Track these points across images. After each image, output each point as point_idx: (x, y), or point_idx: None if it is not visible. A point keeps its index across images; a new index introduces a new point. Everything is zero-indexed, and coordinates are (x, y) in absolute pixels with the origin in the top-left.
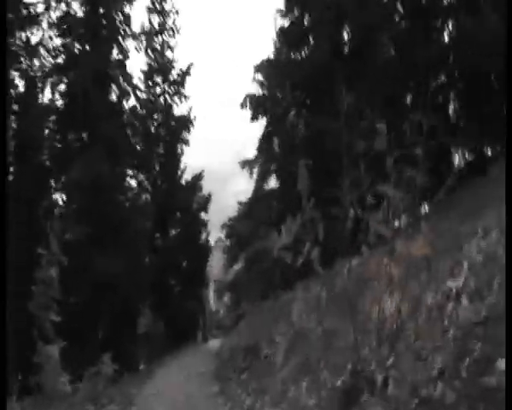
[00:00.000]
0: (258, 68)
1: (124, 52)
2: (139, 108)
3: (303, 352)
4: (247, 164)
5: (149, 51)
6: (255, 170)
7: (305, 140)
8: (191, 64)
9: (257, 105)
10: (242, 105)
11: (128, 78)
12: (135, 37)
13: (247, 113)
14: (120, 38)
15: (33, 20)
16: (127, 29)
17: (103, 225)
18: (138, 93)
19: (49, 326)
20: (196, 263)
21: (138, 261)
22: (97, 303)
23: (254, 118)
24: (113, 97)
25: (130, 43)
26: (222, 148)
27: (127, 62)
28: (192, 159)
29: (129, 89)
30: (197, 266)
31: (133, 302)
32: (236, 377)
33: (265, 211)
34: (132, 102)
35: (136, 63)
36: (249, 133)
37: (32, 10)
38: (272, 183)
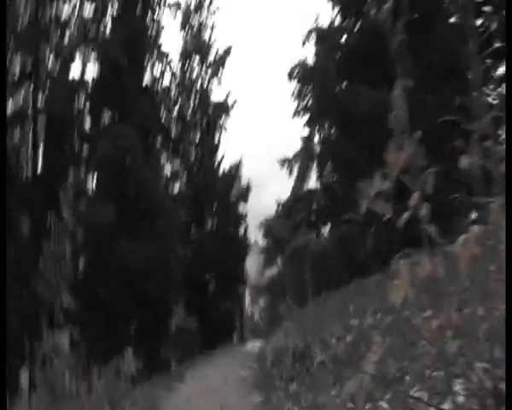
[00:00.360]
0: (308, 36)
1: (158, 27)
2: (174, 90)
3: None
4: (286, 162)
5: (186, 30)
6: (295, 168)
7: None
8: (230, 46)
9: (304, 76)
10: (290, 76)
11: (162, 54)
12: (170, 8)
13: (292, 86)
14: (155, 9)
15: None
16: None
17: (132, 210)
18: (173, 74)
19: (58, 313)
20: (234, 258)
21: (171, 253)
22: (124, 295)
23: (299, 96)
24: (147, 74)
25: (165, 20)
26: (257, 147)
27: (162, 41)
28: (229, 147)
29: (163, 66)
30: (235, 262)
31: (165, 297)
32: (284, 387)
33: (305, 211)
34: (167, 82)
35: (172, 45)
36: (288, 132)
37: None
38: (312, 183)
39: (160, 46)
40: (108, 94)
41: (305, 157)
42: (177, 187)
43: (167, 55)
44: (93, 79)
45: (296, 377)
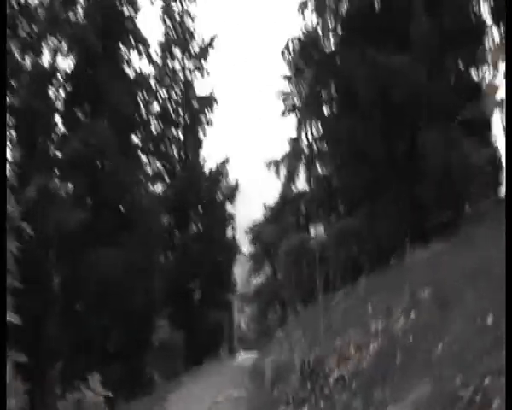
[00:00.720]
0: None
1: (134, 5)
2: (154, 82)
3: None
4: (273, 164)
5: (166, 18)
6: (283, 170)
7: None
8: (215, 36)
9: (302, 49)
10: (284, 53)
11: (141, 40)
12: None
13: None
14: None
15: None
16: None
17: (109, 215)
18: (154, 63)
19: None
20: (222, 263)
21: (152, 260)
22: (100, 309)
23: (296, 71)
24: (124, 64)
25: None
26: (241, 148)
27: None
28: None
29: (142, 55)
30: (223, 267)
31: (146, 308)
32: None
33: (295, 213)
34: (146, 73)
35: (151, 34)
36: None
37: None
38: (300, 185)
39: (138, 31)
40: (81, 86)
41: (293, 158)
42: (158, 188)
43: (146, 42)
44: (65, 70)
45: (307, 401)
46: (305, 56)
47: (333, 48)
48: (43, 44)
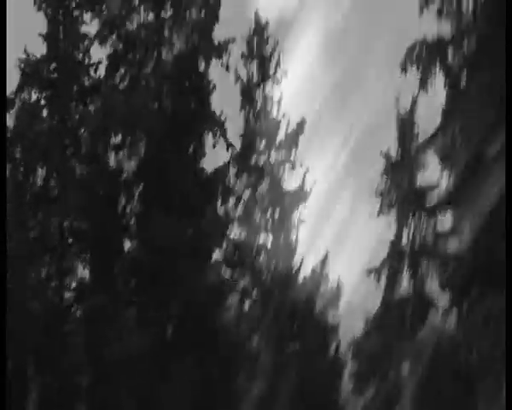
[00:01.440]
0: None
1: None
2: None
3: None
4: (374, 271)
5: (247, 108)
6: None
7: None
8: (304, 119)
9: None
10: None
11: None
12: None
13: None
14: None
15: None
16: None
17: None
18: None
19: None
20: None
21: None
22: None
23: None
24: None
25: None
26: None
27: None
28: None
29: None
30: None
31: None
32: None
33: (399, 320)
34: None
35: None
36: None
37: None
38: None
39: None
40: None
41: (394, 261)
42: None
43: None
44: None
45: None
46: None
47: None
48: None
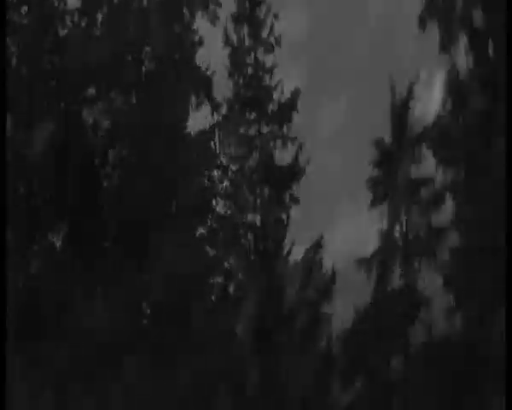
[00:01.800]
0: None
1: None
2: None
3: None
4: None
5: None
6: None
7: None
8: (298, 88)
9: None
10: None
11: None
12: None
13: None
14: None
15: None
16: None
17: None
18: None
19: None
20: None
21: None
22: None
23: None
24: None
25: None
26: None
27: None
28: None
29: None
30: None
31: None
32: None
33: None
34: None
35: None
36: None
37: None
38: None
39: None
40: None
41: (385, 254)
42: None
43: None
44: None
45: None
46: None
47: None
48: None
